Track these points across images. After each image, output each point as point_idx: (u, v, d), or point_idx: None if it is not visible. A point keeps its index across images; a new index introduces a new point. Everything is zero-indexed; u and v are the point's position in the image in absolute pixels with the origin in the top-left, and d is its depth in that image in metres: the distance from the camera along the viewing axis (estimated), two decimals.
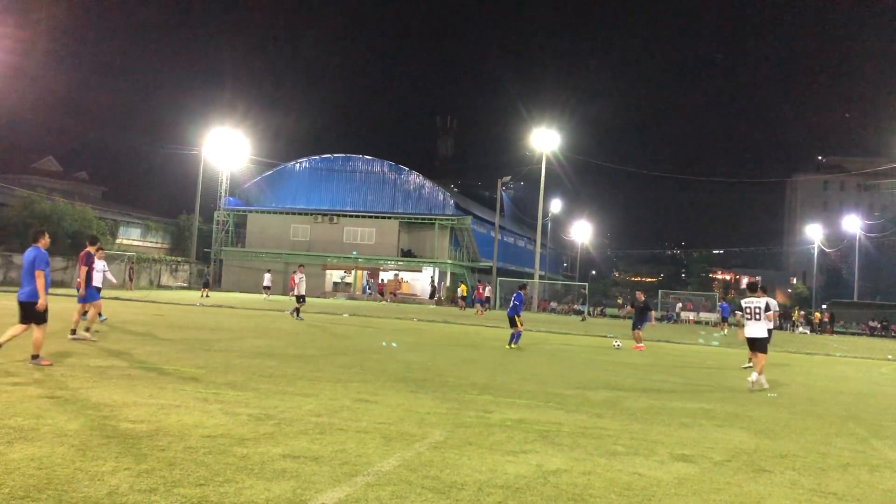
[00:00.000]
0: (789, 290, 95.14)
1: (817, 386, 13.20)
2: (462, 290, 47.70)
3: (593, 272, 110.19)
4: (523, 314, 17.72)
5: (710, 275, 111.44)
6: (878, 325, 51.13)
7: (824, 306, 62.76)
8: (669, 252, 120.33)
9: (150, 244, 61.75)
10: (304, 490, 4.59)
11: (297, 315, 23.18)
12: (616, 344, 19.57)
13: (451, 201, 58.82)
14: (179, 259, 56.11)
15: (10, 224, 43.11)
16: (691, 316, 50.89)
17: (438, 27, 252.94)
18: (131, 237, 60.00)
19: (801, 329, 47.21)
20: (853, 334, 49.14)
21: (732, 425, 8.12)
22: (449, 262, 55.72)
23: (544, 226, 63.66)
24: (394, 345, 15.87)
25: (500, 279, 53.19)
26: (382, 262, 55.94)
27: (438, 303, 51.44)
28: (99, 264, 16.55)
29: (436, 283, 54.14)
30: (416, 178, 59.39)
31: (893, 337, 47.76)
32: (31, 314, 9.15)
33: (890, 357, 23.59)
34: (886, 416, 9.86)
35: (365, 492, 4.63)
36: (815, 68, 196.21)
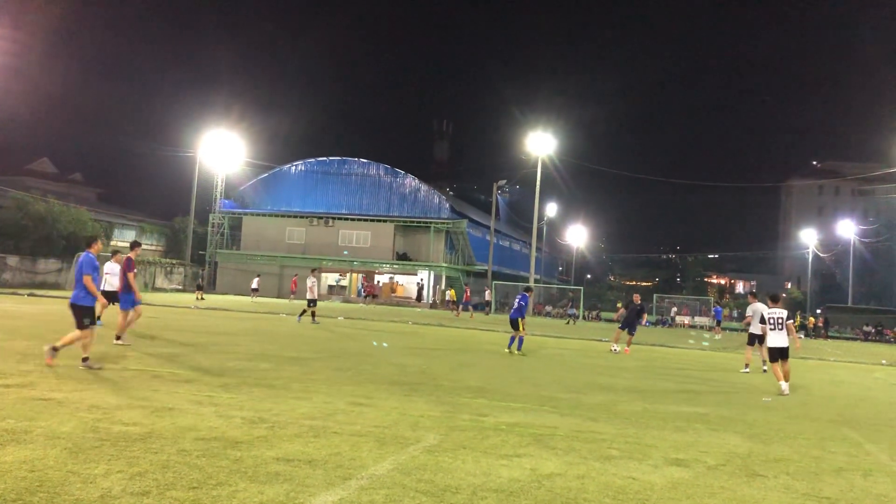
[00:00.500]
0: (784, 295, 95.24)
1: (811, 390, 13.21)
2: (451, 294, 47.71)
3: (589, 276, 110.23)
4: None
5: (706, 279, 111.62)
6: (872, 330, 51.31)
7: (819, 311, 62.89)
8: (665, 256, 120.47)
9: (144, 246, 61.52)
10: (297, 493, 4.57)
11: (314, 318, 23.04)
12: (614, 349, 19.43)
13: (447, 205, 58.83)
14: (174, 261, 55.99)
15: (4, 226, 42.99)
16: (686, 320, 50.98)
17: (435, 30, 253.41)
18: (126, 239, 59.83)
19: (797, 334, 47.26)
20: (847, 339, 49.30)
21: (727, 429, 8.12)
22: (444, 265, 55.71)
23: (540, 229, 63.67)
24: (385, 345, 15.85)
25: (496, 283, 53.18)
26: (377, 265, 55.90)
27: (433, 306, 51.42)
28: (116, 268, 16.57)
29: (422, 287, 54.08)
30: (411, 182, 59.38)
31: (887, 341, 47.90)
32: (77, 317, 9.49)
33: (884, 362, 23.66)
34: (880, 420, 9.87)
35: (358, 495, 4.62)
36: (810, 74, 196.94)
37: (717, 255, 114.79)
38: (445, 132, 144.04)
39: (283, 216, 58.27)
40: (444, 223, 56.09)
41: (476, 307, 54.69)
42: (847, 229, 76.34)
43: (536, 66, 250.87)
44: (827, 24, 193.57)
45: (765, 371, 15.84)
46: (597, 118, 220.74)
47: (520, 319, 16.15)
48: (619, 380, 12.70)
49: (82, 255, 9.77)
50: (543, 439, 6.79)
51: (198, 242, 59.07)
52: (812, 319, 53.03)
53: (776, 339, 12.18)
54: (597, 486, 5.25)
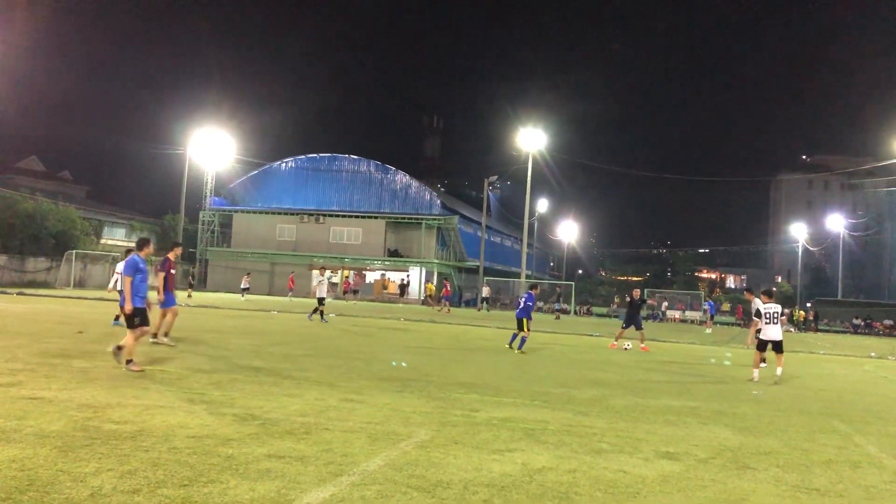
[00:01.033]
0: (774, 289, 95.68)
1: (801, 383, 13.29)
2: (429, 288, 47.86)
3: (580, 271, 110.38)
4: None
5: (696, 273, 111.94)
6: (862, 323, 51.67)
7: (809, 304, 63.24)
8: (655, 251, 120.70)
9: (133, 244, 61.28)
10: (288, 490, 4.57)
11: (322, 317, 22.87)
12: (626, 346, 18.77)
13: (438, 201, 58.78)
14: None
15: None
16: (677, 314, 51.18)
17: (424, 26, 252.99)
18: (116, 237, 59.59)
19: (786, 327, 47.56)
20: (837, 332, 49.57)
21: (717, 423, 8.16)
22: (436, 261, 55.69)
23: (531, 225, 63.70)
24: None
25: (487, 279, 53.23)
26: (369, 262, 55.83)
27: (425, 302, 51.41)
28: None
29: (407, 283, 54.05)
30: (402, 178, 59.29)
31: (877, 334, 48.23)
32: (127, 318, 9.61)
33: (873, 354, 23.81)
34: (869, 412, 9.94)
35: (350, 491, 4.62)
36: (799, 69, 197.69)
37: (707, 250, 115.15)
38: (436, 128, 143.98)
39: (273, 213, 58.13)
40: (435, 219, 56.07)
41: (468, 303, 54.89)
42: (836, 223, 76.76)
43: (527, 61, 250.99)
44: (815, 19, 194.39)
45: (763, 366, 15.94)
46: (587, 114, 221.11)
47: (525, 319, 15.76)
48: (611, 374, 12.74)
49: (129, 256, 9.97)
50: (535, 434, 6.81)
51: (188, 240, 58.84)
52: (802, 313, 53.33)
53: (772, 331, 12.78)
54: (588, 480, 5.27)
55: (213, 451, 5.37)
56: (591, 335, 25.19)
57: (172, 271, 13.17)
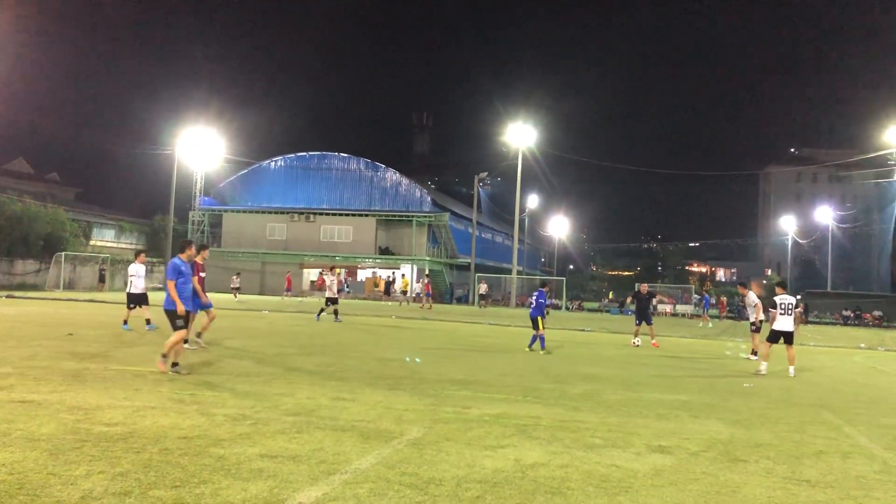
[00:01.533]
0: (764, 282, 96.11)
1: (792, 375, 13.35)
2: (403, 283, 47.96)
3: (571, 266, 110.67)
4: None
5: (687, 267, 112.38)
6: (851, 314, 51.95)
7: (798, 297, 63.53)
8: (646, 245, 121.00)
9: (124, 245, 61.02)
10: (281, 489, 4.56)
11: (336, 317, 22.70)
12: (635, 342, 18.56)
13: (429, 198, 58.71)
14: (154, 260, 55.50)
15: None
16: (668, 309, 51.34)
17: (413, 23, 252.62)
18: (105, 238, 59.28)
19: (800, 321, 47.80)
20: (827, 324, 49.86)
21: (709, 416, 8.20)
22: (427, 258, 55.63)
23: (522, 221, 63.84)
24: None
25: (479, 275, 53.24)
26: (360, 259, 55.75)
27: (417, 300, 51.36)
28: (141, 269, 16.36)
29: (392, 280, 53.99)
30: (392, 176, 59.19)
31: (866, 325, 48.53)
32: (170, 321, 9.58)
33: (862, 345, 23.96)
34: (859, 403, 10.01)
35: (342, 490, 4.62)
36: (788, 62, 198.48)
37: (697, 244, 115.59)
38: (426, 125, 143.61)
39: (263, 212, 57.94)
40: (426, 216, 56.01)
41: (460, 300, 54.88)
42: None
43: (517, 57, 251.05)
44: (803, 13, 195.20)
45: (749, 358, 16.01)
46: (576, 109, 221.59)
47: (539, 318, 15.23)
48: (603, 369, 12.78)
49: (171, 260, 10.04)
50: (527, 430, 6.82)
51: (178, 240, 58.55)
52: None
53: (784, 323, 12.90)
54: (580, 475, 5.28)
55: (204, 452, 5.36)
56: (583, 330, 25.25)
57: (202, 274, 13.06)
